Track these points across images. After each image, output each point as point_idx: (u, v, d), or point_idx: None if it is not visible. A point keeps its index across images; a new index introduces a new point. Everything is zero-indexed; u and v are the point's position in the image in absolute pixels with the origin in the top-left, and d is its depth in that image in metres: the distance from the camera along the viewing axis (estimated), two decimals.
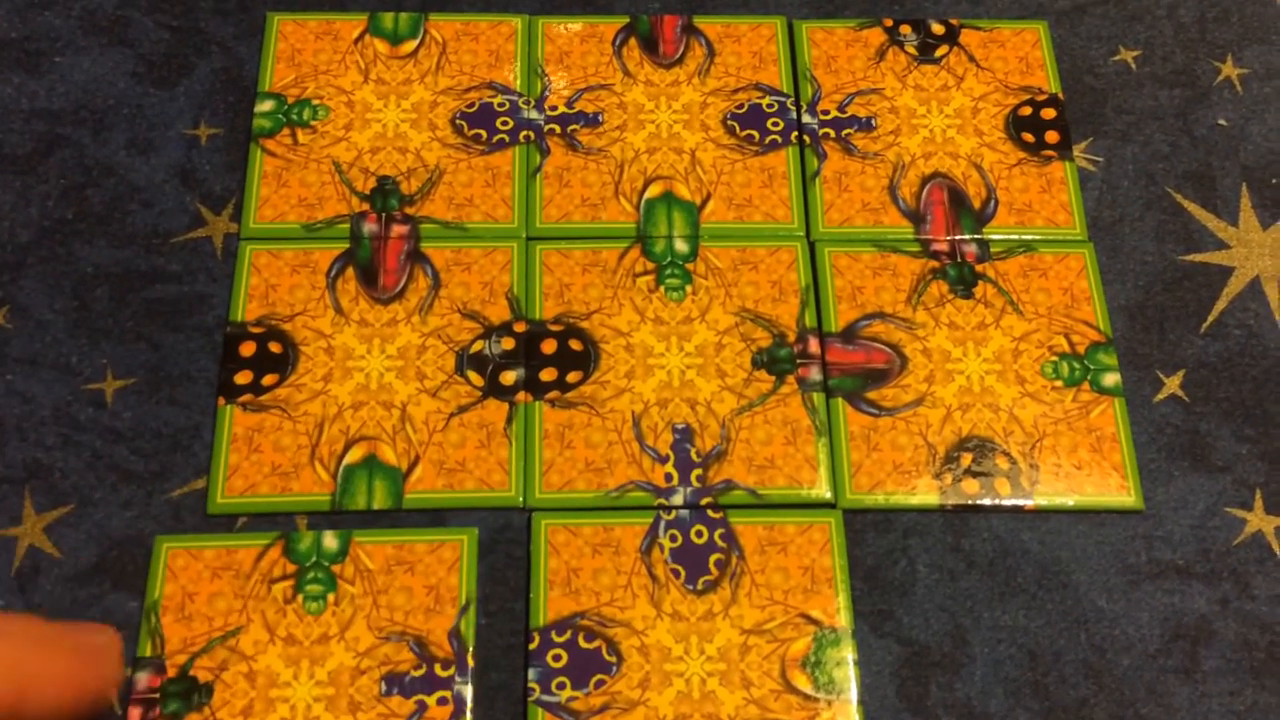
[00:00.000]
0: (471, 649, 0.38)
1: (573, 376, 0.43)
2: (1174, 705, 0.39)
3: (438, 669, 0.38)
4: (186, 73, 0.48)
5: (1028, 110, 0.48)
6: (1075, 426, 0.43)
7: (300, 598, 0.39)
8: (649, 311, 0.44)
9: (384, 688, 0.38)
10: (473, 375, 0.43)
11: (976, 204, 0.46)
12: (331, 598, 0.39)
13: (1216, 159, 0.48)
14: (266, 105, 0.47)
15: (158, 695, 0.38)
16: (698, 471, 0.41)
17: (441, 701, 0.38)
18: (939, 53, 0.50)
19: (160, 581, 0.39)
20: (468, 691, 0.38)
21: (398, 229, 0.45)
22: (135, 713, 0.37)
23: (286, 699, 0.38)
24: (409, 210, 0.46)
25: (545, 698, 0.38)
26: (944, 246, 0.46)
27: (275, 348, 0.43)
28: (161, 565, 0.39)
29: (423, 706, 0.38)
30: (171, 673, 0.38)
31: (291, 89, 0.48)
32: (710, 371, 0.43)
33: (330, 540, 0.40)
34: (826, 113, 0.48)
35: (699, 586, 0.40)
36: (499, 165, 0.47)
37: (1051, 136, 0.48)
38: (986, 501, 0.41)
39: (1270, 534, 0.41)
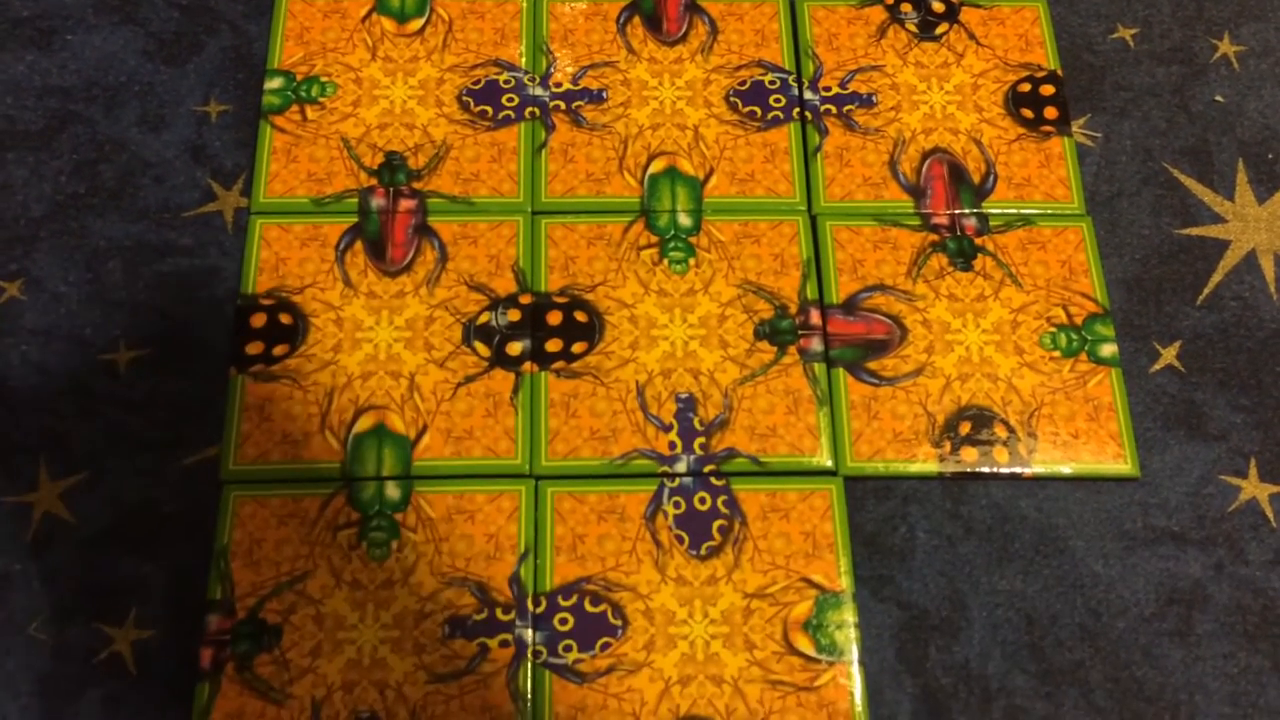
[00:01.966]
0: (531, 594, 0.39)
1: (578, 347, 0.44)
2: (1168, 668, 0.39)
3: (499, 613, 0.39)
4: (197, 50, 0.49)
5: (1027, 87, 0.49)
6: (1073, 396, 0.43)
7: (364, 545, 0.40)
8: (653, 284, 0.45)
9: (446, 631, 0.39)
10: (479, 346, 0.43)
11: (976, 179, 0.47)
12: (395, 544, 0.40)
13: (1213, 135, 0.49)
14: (276, 82, 0.48)
15: (228, 637, 0.39)
16: (701, 440, 0.42)
17: (503, 644, 0.39)
18: (939, 30, 0.50)
19: (229, 528, 0.40)
20: (529, 634, 0.39)
21: (405, 203, 0.46)
22: (207, 653, 0.38)
23: (353, 640, 0.39)
24: (416, 185, 0.46)
25: (552, 660, 0.39)
26: (944, 220, 0.46)
27: (285, 319, 0.44)
28: (230, 512, 0.40)
29: (484, 649, 0.39)
30: (241, 615, 0.39)
31: (300, 66, 0.49)
32: (713, 342, 0.44)
33: (393, 489, 0.41)
34: (828, 89, 0.49)
35: (702, 552, 0.40)
36: (505, 141, 0.47)
37: (1050, 112, 0.49)
38: (985, 469, 0.42)
39: (1264, 501, 0.42)
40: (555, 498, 0.41)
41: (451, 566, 0.40)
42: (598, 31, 0.50)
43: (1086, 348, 0.44)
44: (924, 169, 0.47)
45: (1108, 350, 0.44)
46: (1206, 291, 0.46)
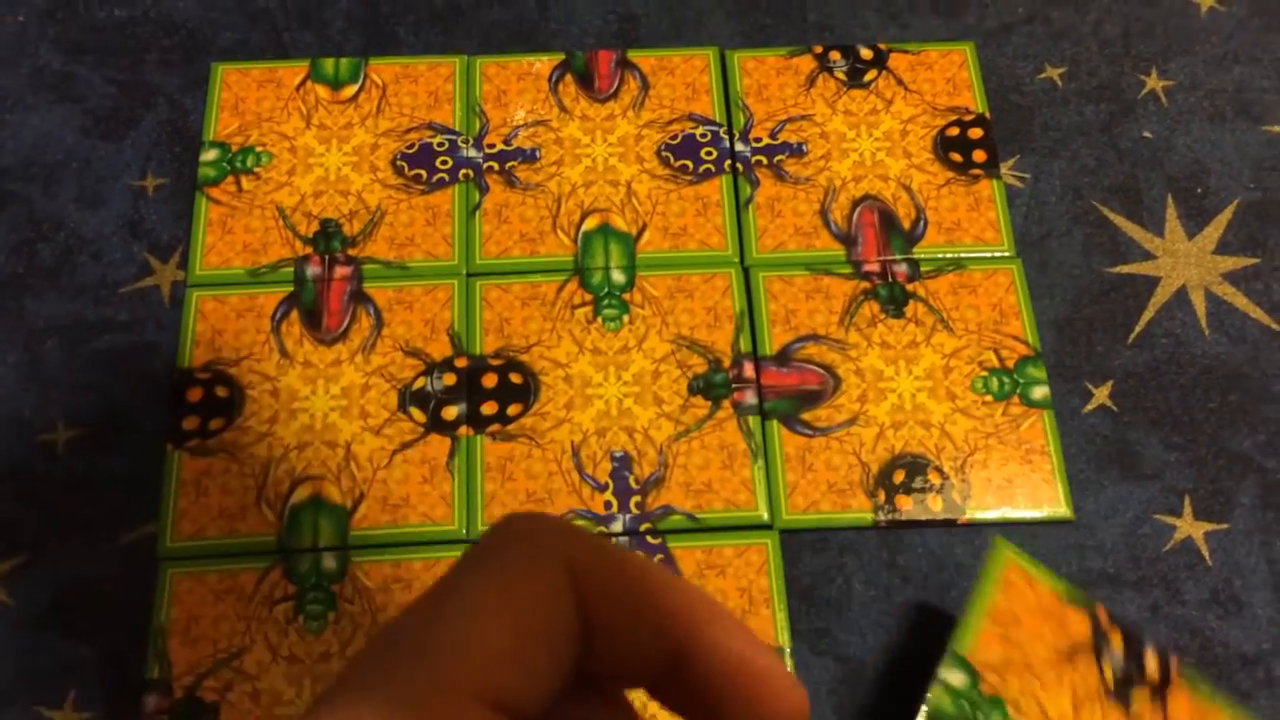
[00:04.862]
0: None
1: (513, 409, 0.44)
2: None
3: None
4: (133, 125, 0.50)
5: (955, 130, 0.49)
6: (1006, 440, 0.43)
7: (301, 618, 0.40)
8: (587, 342, 0.45)
9: None
10: (415, 412, 0.44)
11: (906, 224, 0.47)
12: (331, 616, 0.40)
13: (1142, 171, 0.49)
14: (211, 154, 0.49)
15: (166, 718, 0.39)
16: (636, 498, 0.42)
17: None
18: (868, 77, 0.51)
19: (166, 606, 0.40)
20: None
21: (340, 270, 0.46)
22: None
23: (290, 717, 0.39)
24: (352, 251, 0.47)
25: None
26: (875, 267, 0.47)
27: (222, 392, 0.44)
28: (166, 590, 0.40)
29: None
30: (178, 694, 0.39)
31: (235, 137, 0.49)
32: (648, 399, 0.44)
33: (329, 560, 0.41)
34: (759, 140, 0.49)
35: None
36: (439, 204, 0.48)
37: (979, 155, 0.49)
38: (920, 517, 0.42)
39: (1199, 539, 0.42)
40: None
41: None
42: (530, 90, 0.50)
43: (1018, 391, 0.44)
44: (854, 216, 0.48)
45: (1039, 393, 0.44)
46: (1138, 330, 0.46)
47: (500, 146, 0.49)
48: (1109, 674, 0.36)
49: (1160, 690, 0.36)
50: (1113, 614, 0.37)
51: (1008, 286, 0.46)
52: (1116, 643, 0.37)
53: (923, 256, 0.47)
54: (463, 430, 0.43)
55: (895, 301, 0.46)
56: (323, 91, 0.50)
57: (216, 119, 0.50)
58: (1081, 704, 0.36)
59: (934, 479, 0.43)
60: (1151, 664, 0.37)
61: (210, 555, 0.41)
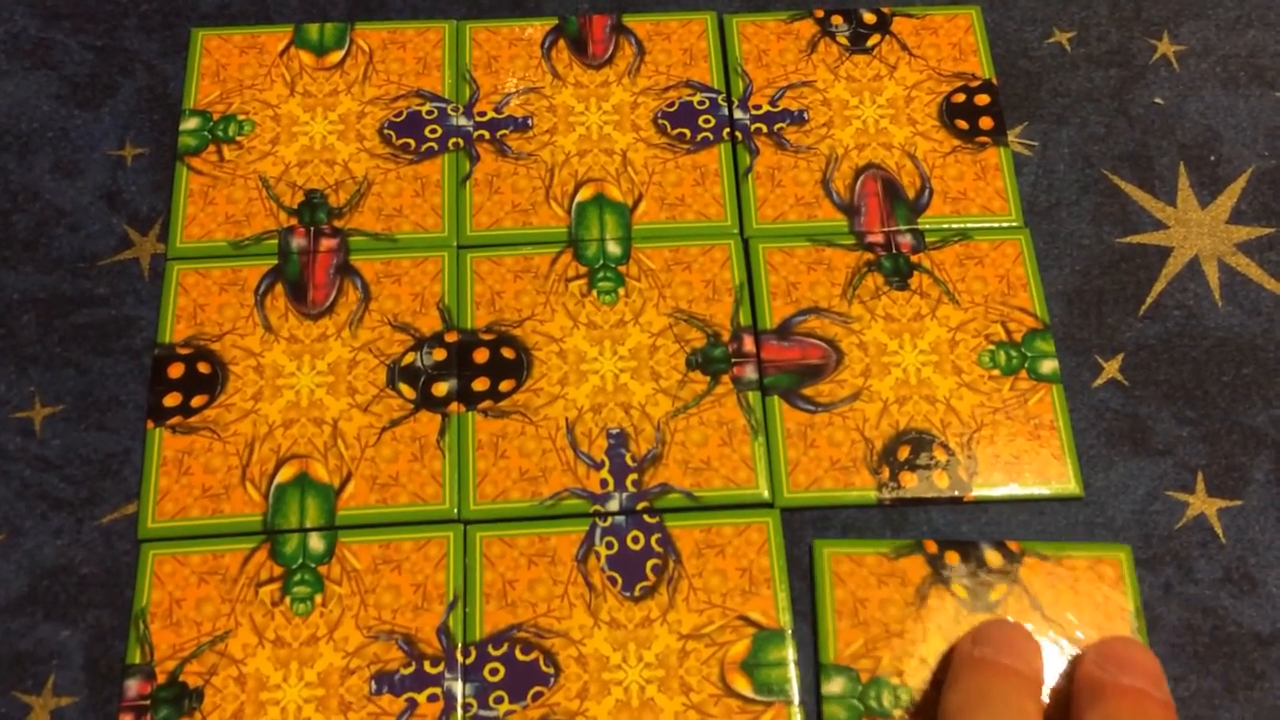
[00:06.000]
0: (460, 644, 0.38)
1: (505, 385, 0.42)
2: None
3: (427, 666, 0.38)
4: (111, 93, 0.48)
5: (961, 97, 0.48)
6: (1013, 415, 0.42)
7: (288, 600, 0.39)
8: (581, 316, 0.44)
9: (374, 686, 0.38)
10: (404, 388, 0.42)
11: (911, 194, 0.46)
12: (319, 599, 0.39)
13: (1153, 138, 0.48)
14: (192, 123, 0.47)
15: (148, 702, 0.37)
16: (633, 476, 0.41)
17: (432, 698, 0.38)
18: (871, 42, 0.49)
19: (148, 588, 0.39)
20: (458, 687, 0.38)
21: (326, 243, 0.45)
22: None
23: (277, 701, 0.37)
24: (338, 223, 0.45)
25: (483, 713, 0.38)
26: (879, 238, 0.45)
27: (204, 368, 0.42)
28: (148, 572, 0.39)
29: (413, 704, 0.38)
30: (161, 679, 0.38)
31: (217, 105, 0.47)
32: (644, 374, 0.43)
33: (316, 541, 0.40)
34: (758, 108, 0.48)
35: (636, 593, 0.39)
36: (428, 174, 0.46)
37: (985, 122, 0.47)
38: (925, 494, 0.41)
39: (1212, 516, 0.41)
40: (484, 543, 0.40)
41: (378, 619, 0.39)
42: (522, 57, 0.49)
43: (1026, 365, 0.43)
44: (857, 186, 0.46)
45: (1048, 366, 0.43)
46: (1149, 301, 0.45)
47: (491, 114, 0.47)
48: (960, 590, 0.39)
49: (1012, 573, 0.39)
50: (941, 540, 0.39)
51: (1015, 257, 0.45)
52: (954, 560, 0.39)
53: (928, 227, 0.45)
54: (453, 407, 0.42)
55: (899, 273, 0.44)
56: (307, 58, 0.49)
57: (197, 86, 0.48)
58: (948, 629, 0.38)
59: (939, 455, 0.41)
60: (994, 557, 0.39)
61: (193, 536, 0.40)
